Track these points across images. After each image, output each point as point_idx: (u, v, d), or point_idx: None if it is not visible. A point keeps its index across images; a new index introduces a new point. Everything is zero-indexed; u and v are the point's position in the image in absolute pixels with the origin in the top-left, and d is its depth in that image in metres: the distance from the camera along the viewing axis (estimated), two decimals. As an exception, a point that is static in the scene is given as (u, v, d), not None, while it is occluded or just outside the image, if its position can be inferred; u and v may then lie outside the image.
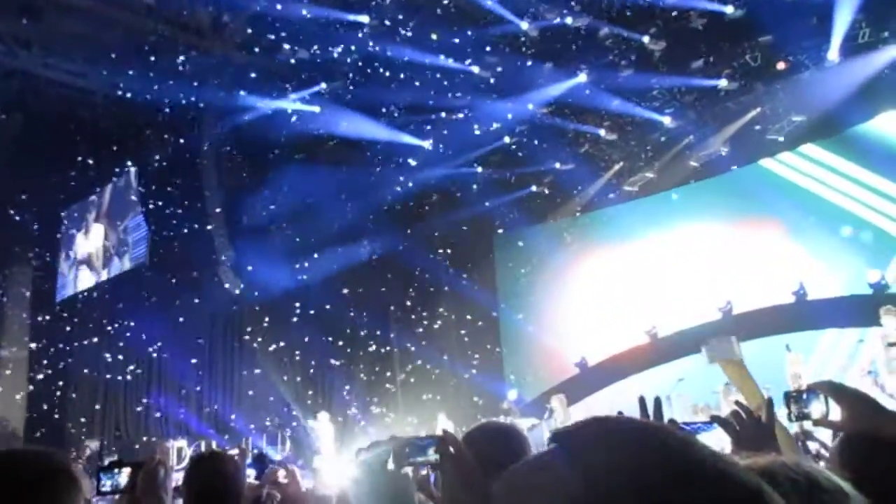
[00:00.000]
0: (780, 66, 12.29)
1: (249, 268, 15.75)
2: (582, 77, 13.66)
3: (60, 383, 17.40)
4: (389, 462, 2.16)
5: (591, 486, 0.65)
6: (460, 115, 15.16)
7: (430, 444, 2.02)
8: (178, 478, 3.00)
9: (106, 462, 2.51)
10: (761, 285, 12.85)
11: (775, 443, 1.98)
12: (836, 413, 1.92)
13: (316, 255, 15.92)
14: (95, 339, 17.27)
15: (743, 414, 2.04)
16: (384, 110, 15.05)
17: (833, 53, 11.61)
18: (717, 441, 2.38)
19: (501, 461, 2.21)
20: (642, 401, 2.22)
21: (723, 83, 12.88)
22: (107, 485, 2.19)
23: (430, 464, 2.01)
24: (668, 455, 0.68)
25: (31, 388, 17.55)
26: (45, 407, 17.03)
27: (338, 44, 13.88)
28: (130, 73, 13.90)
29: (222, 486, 2.77)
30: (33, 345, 17.85)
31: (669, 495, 0.64)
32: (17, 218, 17.13)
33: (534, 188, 16.47)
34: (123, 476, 2.19)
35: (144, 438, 16.25)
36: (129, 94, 14.40)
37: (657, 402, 2.28)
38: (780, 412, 2.10)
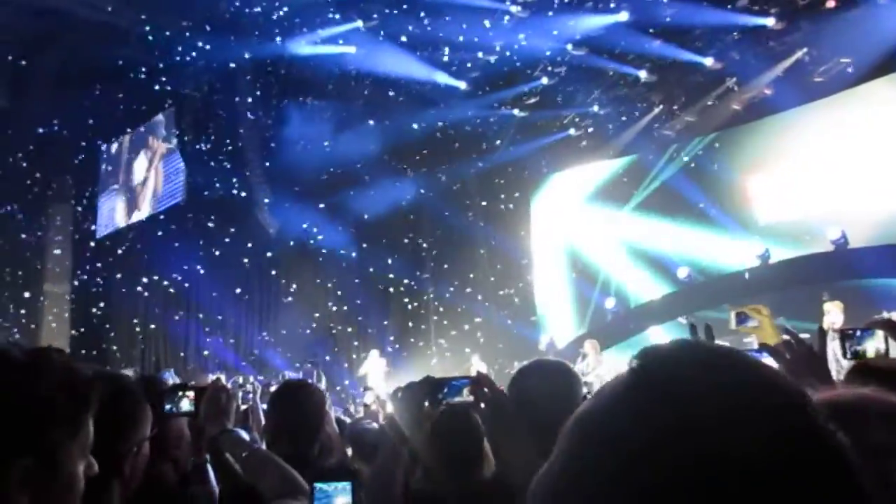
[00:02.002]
0: (830, 3, 11.81)
1: (284, 208, 15.86)
2: (623, 15, 13.31)
3: (101, 318, 17.85)
4: (425, 403, 2.18)
5: (681, 417, 0.58)
6: (495, 57, 14.94)
7: (463, 384, 2.04)
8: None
9: (170, 385, 2.55)
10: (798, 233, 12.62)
11: (828, 374, 1.91)
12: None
13: (350, 195, 15.94)
14: (135, 276, 17.63)
15: (794, 343, 1.95)
16: (419, 51, 14.85)
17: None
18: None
19: (556, 396, 2.23)
20: (693, 328, 2.20)
21: (770, 21, 12.43)
22: (169, 408, 2.22)
23: (465, 404, 2.03)
24: (764, 386, 0.62)
25: (73, 322, 18.06)
26: (88, 341, 17.50)
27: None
28: (166, 11, 13.87)
29: (307, 415, 2.79)
30: (76, 281, 18.31)
31: (764, 429, 0.58)
32: (58, 155, 17.39)
33: (572, 132, 16.20)
34: (186, 400, 2.22)
35: (184, 372, 16.66)
36: (166, 33, 14.40)
37: (708, 328, 2.26)
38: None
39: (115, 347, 17.72)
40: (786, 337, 2.02)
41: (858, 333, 1.98)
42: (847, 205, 12.15)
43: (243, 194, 16.12)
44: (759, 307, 2.76)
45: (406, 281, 17.23)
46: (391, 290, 17.36)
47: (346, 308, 17.15)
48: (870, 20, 11.22)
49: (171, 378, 14.52)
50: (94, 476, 1.11)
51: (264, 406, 6.10)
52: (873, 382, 1.39)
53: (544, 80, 15.24)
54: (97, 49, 14.48)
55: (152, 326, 17.65)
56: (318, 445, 2.77)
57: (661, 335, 12.84)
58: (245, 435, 2.92)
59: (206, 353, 17.02)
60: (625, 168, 15.71)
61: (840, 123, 12.35)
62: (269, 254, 16.84)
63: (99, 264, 18.02)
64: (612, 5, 13.24)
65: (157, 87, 15.89)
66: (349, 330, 17.15)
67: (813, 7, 12.01)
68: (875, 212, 11.71)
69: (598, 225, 15.69)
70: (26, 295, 17.87)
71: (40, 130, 16.28)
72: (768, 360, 1.98)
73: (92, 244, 18.53)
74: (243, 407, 6.32)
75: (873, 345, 1.94)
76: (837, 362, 6.96)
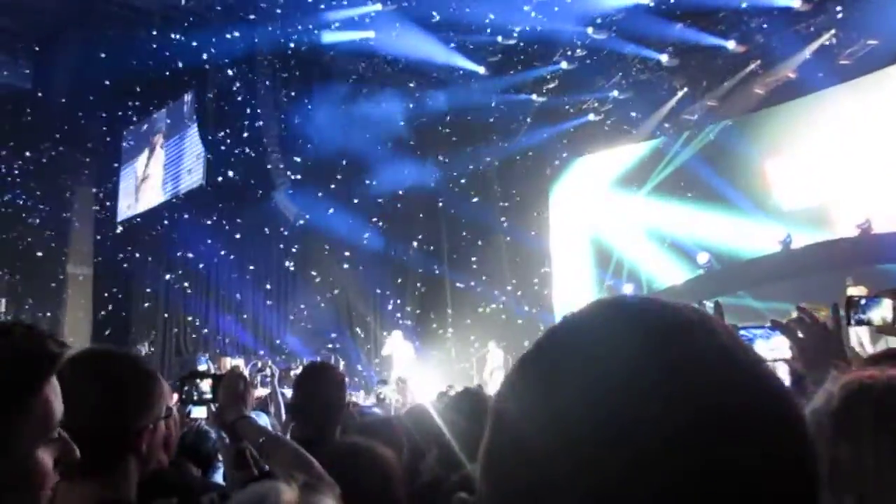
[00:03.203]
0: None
1: (304, 193, 15.90)
2: (645, -2, 13.16)
3: (123, 300, 18.02)
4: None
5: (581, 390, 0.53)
6: (515, 41, 14.84)
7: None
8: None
9: (187, 372, 2.60)
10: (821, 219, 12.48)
11: (843, 352, 1.83)
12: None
13: (368, 182, 15.94)
14: (156, 258, 17.79)
15: (807, 320, 1.86)
16: (438, 34, 14.77)
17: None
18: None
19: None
20: (701, 305, 2.16)
21: (796, 3, 12.23)
22: (188, 394, 2.27)
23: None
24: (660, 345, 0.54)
25: (95, 304, 18.25)
26: (109, 323, 17.69)
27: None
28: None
29: (329, 395, 2.87)
30: (98, 263, 18.50)
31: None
32: (81, 137, 17.52)
33: (591, 117, 16.07)
34: (204, 386, 2.25)
35: (203, 356, 16.80)
36: (189, 17, 14.42)
37: (717, 305, 2.23)
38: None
39: (135, 329, 17.90)
40: (797, 314, 1.93)
41: (864, 302, 1.94)
42: (871, 189, 11.98)
43: (263, 178, 16.15)
44: (819, 306, 2.69)
45: (424, 267, 17.23)
46: (409, 275, 17.37)
47: (364, 294, 17.19)
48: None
49: (206, 363, 14.72)
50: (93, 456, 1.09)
51: (282, 390, 6.16)
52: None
53: (564, 65, 15.14)
54: (121, 30, 14.55)
55: (173, 309, 17.80)
56: (339, 426, 2.83)
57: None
58: (265, 420, 2.94)
59: (224, 337, 17.14)
60: (647, 153, 15.58)
61: (865, 106, 12.18)
62: (288, 238, 16.89)
63: (121, 246, 18.17)
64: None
65: (179, 70, 15.93)
66: (367, 318, 17.19)
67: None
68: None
69: (618, 210, 15.60)
70: (49, 277, 18.08)
71: (63, 112, 16.37)
72: (780, 338, 1.93)
73: (114, 226, 18.69)
74: (264, 391, 6.40)
75: (879, 313, 1.90)
76: (862, 346, 6.87)
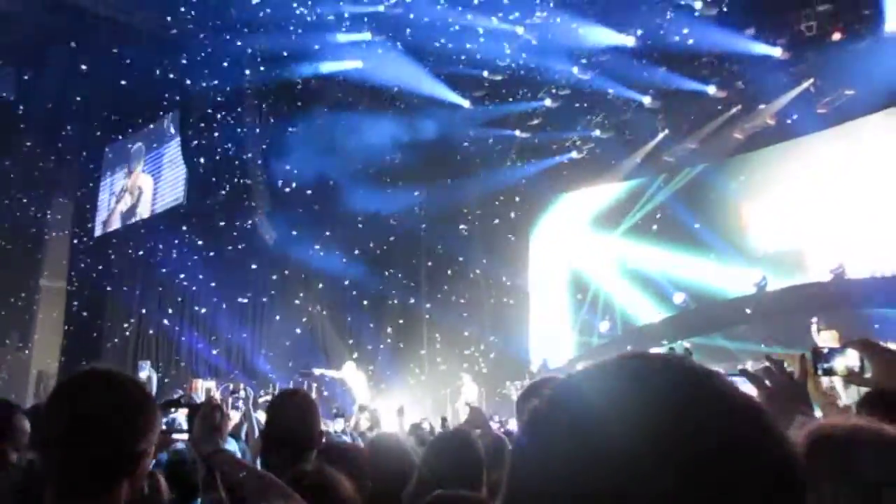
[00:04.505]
0: (836, 35, 11.89)
1: (283, 218, 15.87)
2: (629, 40, 13.39)
3: (96, 317, 17.80)
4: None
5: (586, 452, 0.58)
6: (501, 76, 15.02)
7: None
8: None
9: (163, 401, 2.56)
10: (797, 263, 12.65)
11: (808, 401, 1.89)
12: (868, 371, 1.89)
13: (348, 210, 15.90)
14: (132, 275, 17.62)
15: (774, 369, 1.92)
16: (425, 67, 14.91)
17: (891, 24, 11.19)
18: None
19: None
20: (671, 351, 2.19)
21: (777, 52, 12.51)
22: (164, 424, 2.24)
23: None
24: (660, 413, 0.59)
25: (67, 318, 18.01)
26: (81, 338, 17.45)
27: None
28: (178, 14, 13.95)
29: (302, 423, 2.84)
30: (73, 277, 18.29)
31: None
32: (62, 150, 17.41)
33: (574, 154, 16.21)
34: (180, 416, 2.22)
35: (174, 373, 16.63)
36: (176, 35, 14.45)
37: (687, 352, 2.26)
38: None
39: (108, 345, 17.66)
40: (767, 363, 1.98)
41: (827, 350, 1.99)
42: (845, 235, 12.18)
43: (243, 201, 16.11)
44: (789, 354, 2.74)
45: (401, 296, 17.17)
46: (386, 304, 17.28)
47: (339, 321, 17.09)
48: (875, 53, 11.30)
49: (148, 371, 14.52)
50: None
51: (255, 414, 6.10)
52: (880, 413, 1.39)
53: (548, 102, 15.31)
54: (107, 47, 14.55)
55: (146, 327, 17.60)
56: (314, 453, 2.80)
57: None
58: (234, 446, 2.91)
59: (197, 357, 16.95)
60: (626, 192, 15.74)
61: (841, 154, 12.41)
62: (265, 262, 16.80)
63: (96, 261, 17.99)
64: (619, 27, 13.30)
65: (164, 89, 15.94)
66: (341, 343, 17.05)
67: (819, 38, 12.09)
68: (873, 243, 11.75)
69: (596, 248, 15.72)
70: (20, 288, 17.83)
71: (46, 125, 16.29)
72: (748, 387, 1.99)
73: (90, 241, 18.52)
74: (236, 415, 6.34)
75: (844, 362, 1.94)
76: (833, 389, 6.94)
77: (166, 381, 15.94)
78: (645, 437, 0.57)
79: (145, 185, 17.88)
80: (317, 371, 14.07)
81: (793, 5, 12.17)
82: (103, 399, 1.43)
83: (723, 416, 0.59)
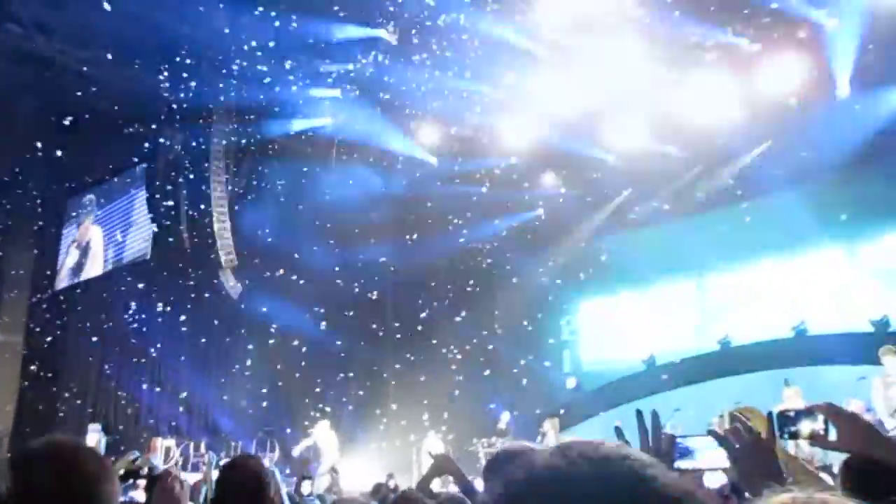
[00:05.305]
0: (791, 100, 12.31)
1: (248, 273, 15.75)
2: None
3: (53, 372, 17.35)
4: None
5: None
6: (468, 133, 15.26)
7: None
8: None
9: (122, 472, 2.49)
10: (760, 319, 12.82)
11: (775, 461, 1.92)
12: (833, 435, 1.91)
13: (315, 264, 15.79)
14: (91, 331, 17.23)
15: (742, 431, 1.96)
16: (393, 122, 15.09)
17: (843, 90, 11.63)
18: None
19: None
20: (639, 414, 2.20)
21: (735, 115, 12.88)
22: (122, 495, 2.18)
23: None
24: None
25: (23, 374, 17.52)
26: (37, 395, 16.97)
27: (355, 56, 14.00)
28: (146, 66, 13.97)
29: (251, 491, 2.77)
30: (29, 332, 17.85)
31: None
32: (23, 201, 17.17)
33: (539, 212, 16.37)
34: (138, 490, 2.18)
35: (134, 431, 16.19)
36: (142, 88, 14.45)
37: (654, 415, 2.27)
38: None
39: (64, 407, 17.15)
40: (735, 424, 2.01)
41: (793, 414, 2.01)
42: (807, 292, 12.42)
43: (209, 256, 15.95)
44: (751, 409, 2.77)
45: (367, 355, 16.99)
46: (351, 362, 17.04)
47: (304, 379, 16.77)
48: (830, 119, 11.71)
49: (98, 434, 14.12)
50: None
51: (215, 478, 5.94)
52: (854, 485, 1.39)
53: (513, 159, 15.53)
54: (74, 98, 14.49)
55: (105, 384, 17.17)
56: None
57: (622, 415, 12.80)
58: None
59: (157, 415, 16.52)
60: (590, 249, 15.86)
61: (799, 214, 12.69)
62: (230, 318, 16.56)
63: (55, 315, 17.61)
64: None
65: (131, 142, 15.88)
66: (306, 401, 16.72)
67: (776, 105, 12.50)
68: (834, 299, 11.99)
69: (561, 305, 15.81)
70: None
71: (6, 177, 16.09)
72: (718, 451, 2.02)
73: (49, 295, 18.15)
74: (195, 476, 6.19)
75: (809, 425, 1.96)
76: (798, 447, 6.98)
77: (124, 440, 15.49)
78: None
79: (95, 237, 17.65)
80: (294, 452, 13.71)
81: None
82: (58, 471, 1.39)
83: None
